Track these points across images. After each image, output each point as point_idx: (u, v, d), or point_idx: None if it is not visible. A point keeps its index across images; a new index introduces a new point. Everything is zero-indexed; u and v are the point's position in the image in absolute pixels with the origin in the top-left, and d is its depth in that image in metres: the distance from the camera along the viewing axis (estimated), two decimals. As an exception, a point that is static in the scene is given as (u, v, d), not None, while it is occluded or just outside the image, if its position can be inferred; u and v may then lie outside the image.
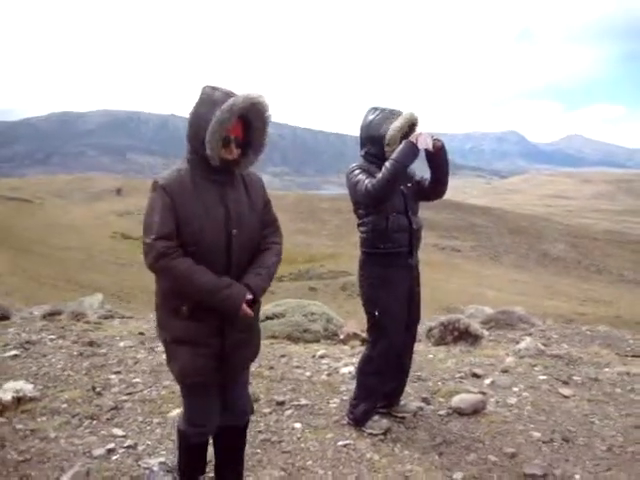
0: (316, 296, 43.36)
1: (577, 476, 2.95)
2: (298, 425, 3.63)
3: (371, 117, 3.36)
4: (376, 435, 3.41)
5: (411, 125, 3.28)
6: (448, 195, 3.67)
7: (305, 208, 67.73)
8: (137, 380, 4.49)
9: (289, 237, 61.07)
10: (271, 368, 4.76)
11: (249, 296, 2.33)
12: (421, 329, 6.13)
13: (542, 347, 5.20)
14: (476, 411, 3.70)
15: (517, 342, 5.59)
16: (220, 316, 2.36)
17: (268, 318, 6.32)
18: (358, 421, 3.53)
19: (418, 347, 5.49)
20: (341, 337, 5.94)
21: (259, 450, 3.31)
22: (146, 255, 2.28)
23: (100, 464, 3.14)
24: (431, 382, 4.33)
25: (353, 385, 3.74)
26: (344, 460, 3.17)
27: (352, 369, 4.58)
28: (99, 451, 3.28)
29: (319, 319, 6.22)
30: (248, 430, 2.91)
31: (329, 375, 4.55)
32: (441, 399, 3.95)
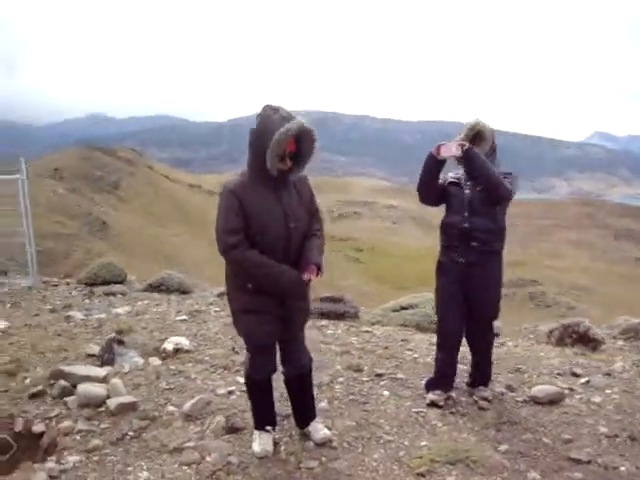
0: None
1: (622, 468, 3.15)
2: (386, 392, 4.25)
3: None
4: (433, 405, 3.93)
5: (476, 133, 3.72)
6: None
7: (495, 212, 66.06)
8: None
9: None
10: (386, 348, 5.37)
11: (307, 275, 3.06)
12: (544, 330, 6.27)
13: (669, 360, 5.08)
14: (552, 402, 3.96)
15: (645, 353, 5.48)
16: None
17: (403, 308, 6.92)
18: (426, 387, 4.09)
19: (534, 345, 5.70)
20: (466, 332, 6.30)
21: (343, 406, 4.01)
22: (219, 245, 3.01)
23: (220, 399, 4.09)
24: (527, 374, 4.60)
25: (419, 354, 4.48)
26: (411, 422, 3.74)
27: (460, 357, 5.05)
28: (222, 391, 4.25)
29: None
30: (342, 389, 3.81)
31: (411, 350, 5.04)
32: (526, 389, 4.24)
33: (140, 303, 7.64)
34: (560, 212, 66.24)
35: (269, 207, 3.02)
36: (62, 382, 4.29)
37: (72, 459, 3.35)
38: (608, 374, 4.60)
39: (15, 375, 4.75)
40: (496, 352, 5.24)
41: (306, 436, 3.50)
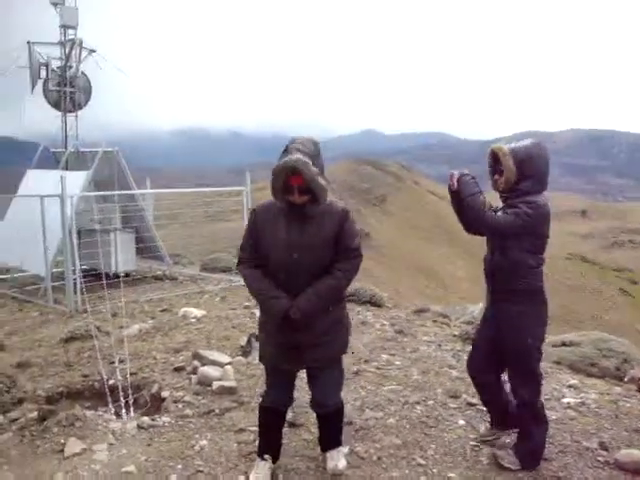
0: None
1: None
2: (462, 422, 4.26)
3: None
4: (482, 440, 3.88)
5: (492, 156, 3.58)
6: None
7: None
8: (398, 363, 5.70)
9: None
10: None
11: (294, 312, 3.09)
12: None
13: None
14: (638, 471, 3.50)
15: None
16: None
17: (563, 344, 6.49)
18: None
19: None
20: (625, 378, 5.65)
21: (408, 426, 4.16)
22: None
23: (307, 399, 4.57)
24: (641, 437, 4.07)
25: (556, 411, 4.39)
26: (458, 454, 3.74)
27: (577, 402, 4.68)
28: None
29: (614, 357, 6.02)
30: (421, 410, 4.30)
31: (547, 399, 4.74)
32: (623, 451, 3.79)
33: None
34: None
35: (276, 234, 3.18)
36: (195, 362, 5.29)
37: (164, 419, 4.25)
38: None
39: (178, 352, 5.95)
40: (632, 405, 4.71)
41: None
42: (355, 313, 8.43)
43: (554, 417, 4.31)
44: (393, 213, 50.25)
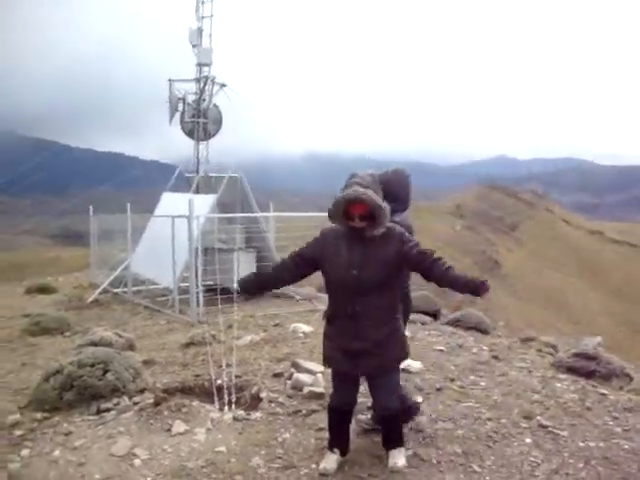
0: None
1: None
2: (528, 440, 4.50)
3: None
4: None
5: None
6: None
7: None
8: (483, 384, 6.01)
9: None
10: (587, 409, 5.25)
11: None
12: None
13: None
14: None
15: None
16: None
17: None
18: None
19: None
20: None
21: (474, 438, 4.51)
22: None
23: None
24: None
25: (616, 424, 4.77)
26: (516, 466, 4.05)
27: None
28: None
29: None
30: (491, 426, 4.66)
31: (615, 419, 4.88)
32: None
33: (424, 333, 8.82)
34: None
35: (338, 253, 3.75)
36: (292, 369, 5.97)
37: (257, 415, 4.96)
38: None
39: (280, 361, 6.68)
40: None
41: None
42: (456, 337, 8.72)
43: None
44: (524, 242, 48.69)
